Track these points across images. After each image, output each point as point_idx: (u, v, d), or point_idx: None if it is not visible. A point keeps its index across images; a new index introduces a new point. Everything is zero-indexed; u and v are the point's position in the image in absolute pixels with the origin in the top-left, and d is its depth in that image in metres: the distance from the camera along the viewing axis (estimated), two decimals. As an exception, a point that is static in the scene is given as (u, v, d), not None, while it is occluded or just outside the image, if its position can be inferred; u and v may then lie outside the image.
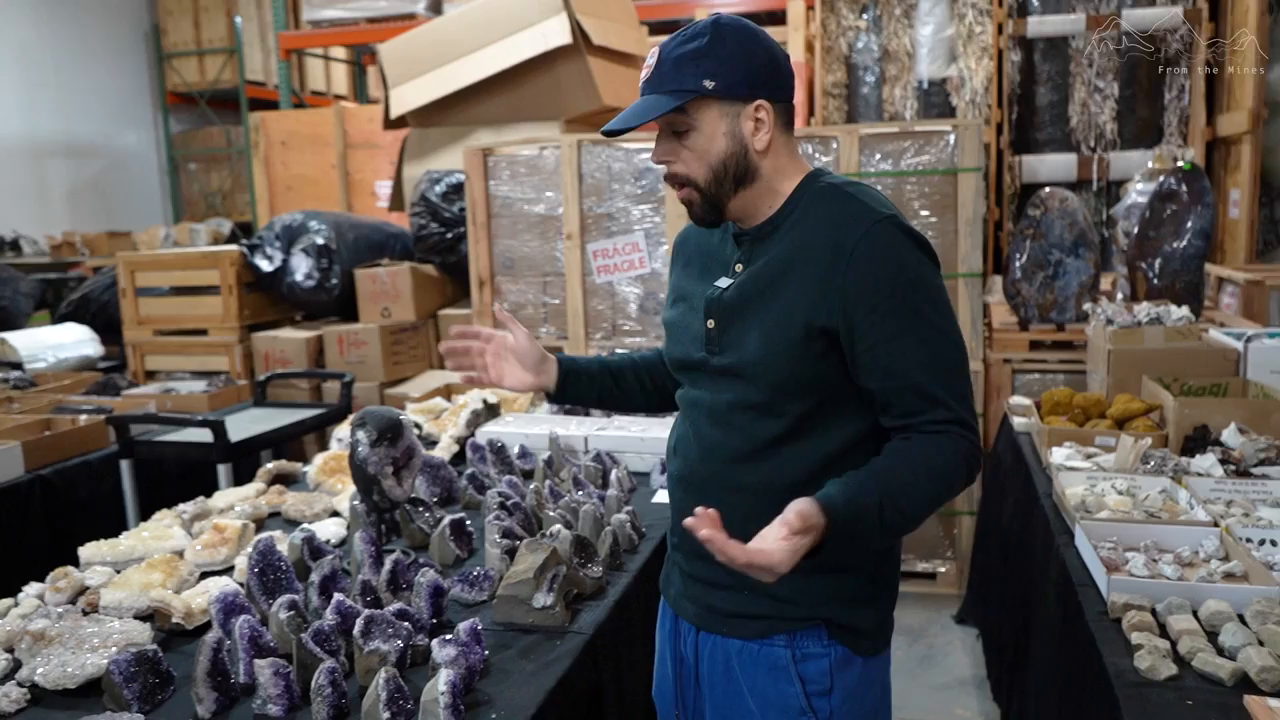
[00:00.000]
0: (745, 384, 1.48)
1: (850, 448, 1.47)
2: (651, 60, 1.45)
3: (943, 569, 4.12)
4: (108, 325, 5.57)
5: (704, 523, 1.25)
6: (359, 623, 1.62)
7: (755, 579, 1.28)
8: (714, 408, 1.53)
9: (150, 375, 5.11)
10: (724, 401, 1.51)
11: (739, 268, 1.52)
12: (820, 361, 1.43)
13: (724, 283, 1.52)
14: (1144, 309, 3.29)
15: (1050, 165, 5.85)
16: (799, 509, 1.26)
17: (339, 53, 10.21)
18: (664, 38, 1.51)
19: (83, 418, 3.59)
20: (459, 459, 2.95)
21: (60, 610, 1.87)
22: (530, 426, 2.99)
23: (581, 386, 1.76)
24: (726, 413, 1.51)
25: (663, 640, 1.72)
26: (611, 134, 1.47)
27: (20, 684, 1.65)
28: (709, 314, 1.52)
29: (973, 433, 1.41)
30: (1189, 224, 3.86)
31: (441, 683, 1.45)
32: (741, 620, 1.53)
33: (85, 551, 2.21)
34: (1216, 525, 2.05)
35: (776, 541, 1.25)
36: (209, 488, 3.04)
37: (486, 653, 1.65)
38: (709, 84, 1.40)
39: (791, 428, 1.47)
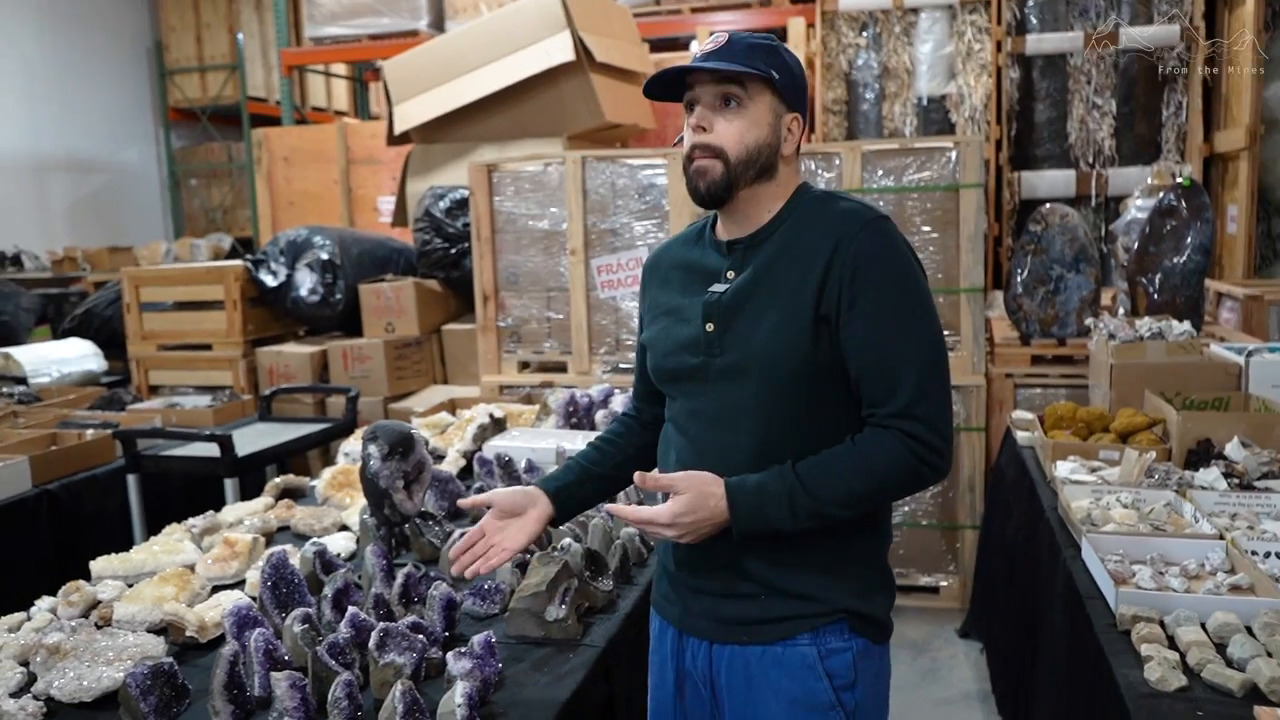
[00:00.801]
0: (749, 381, 1.51)
1: (848, 435, 1.51)
2: (720, 38, 1.53)
3: (945, 583, 4.13)
4: (111, 340, 5.59)
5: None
6: (374, 635, 1.62)
7: (780, 582, 1.51)
8: (717, 412, 1.55)
9: (154, 390, 5.12)
10: (727, 404, 1.54)
11: (730, 274, 1.56)
12: (820, 351, 1.49)
13: (719, 288, 1.56)
14: (1146, 324, 3.31)
15: (1049, 181, 5.89)
16: (683, 474, 1.48)
17: (340, 69, 10.25)
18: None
19: (89, 432, 3.60)
20: (466, 473, 2.96)
21: (73, 624, 1.88)
22: (537, 441, 3.01)
23: (575, 493, 1.75)
24: (730, 415, 1.54)
25: (662, 661, 1.70)
26: (684, 71, 1.52)
27: (36, 697, 1.66)
28: (707, 318, 1.55)
29: (931, 432, 1.45)
30: (1189, 239, 3.89)
31: (458, 695, 1.46)
32: (763, 626, 1.54)
33: (97, 565, 2.22)
34: (1222, 538, 2.07)
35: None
36: (214, 503, 3.05)
37: (500, 665, 1.66)
38: (774, 74, 1.51)
39: (796, 422, 1.51)
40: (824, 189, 1.60)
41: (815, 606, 1.52)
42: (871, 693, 1.56)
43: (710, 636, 1.60)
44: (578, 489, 1.76)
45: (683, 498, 1.45)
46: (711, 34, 1.57)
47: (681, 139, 1.58)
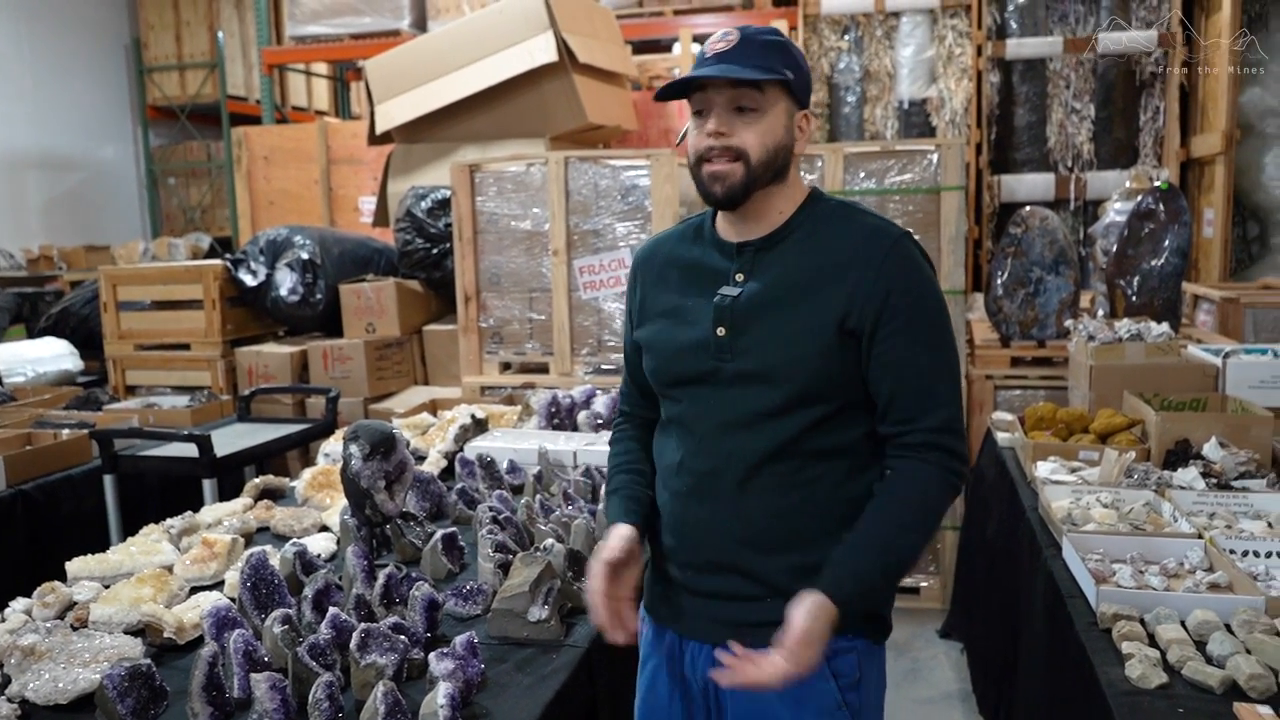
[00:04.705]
0: (766, 387, 1.49)
1: (859, 440, 1.54)
2: (731, 37, 1.49)
3: (925, 584, 4.15)
4: (88, 339, 5.53)
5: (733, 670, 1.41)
6: (356, 636, 1.61)
7: (786, 585, 1.47)
8: (733, 416, 1.52)
9: (131, 390, 5.07)
10: (744, 408, 1.51)
11: (740, 277, 1.54)
12: (842, 362, 1.49)
13: (732, 291, 1.53)
14: (1125, 325, 3.33)
15: (1029, 185, 5.93)
16: (798, 619, 1.40)
17: (321, 68, 10.20)
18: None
19: (65, 432, 3.56)
20: (447, 474, 2.95)
21: (49, 625, 1.86)
22: (519, 441, 3.00)
23: (649, 514, 1.67)
24: (748, 419, 1.51)
25: (656, 666, 1.66)
26: (696, 81, 1.47)
27: (10, 700, 1.64)
28: (719, 322, 1.52)
29: (960, 442, 1.50)
30: (1166, 242, 3.92)
31: (441, 695, 1.45)
32: (769, 628, 1.46)
33: (73, 566, 2.19)
34: (1200, 537, 2.08)
35: (791, 650, 1.39)
36: (191, 503, 3.02)
37: (483, 666, 1.65)
38: (789, 75, 1.49)
39: (812, 425, 1.50)
40: (840, 199, 1.60)
41: None
42: (874, 692, 1.57)
43: (713, 640, 1.55)
44: (650, 509, 1.67)
45: (796, 644, 1.39)
46: (722, 32, 1.52)
47: (683, 139, 1.54)
